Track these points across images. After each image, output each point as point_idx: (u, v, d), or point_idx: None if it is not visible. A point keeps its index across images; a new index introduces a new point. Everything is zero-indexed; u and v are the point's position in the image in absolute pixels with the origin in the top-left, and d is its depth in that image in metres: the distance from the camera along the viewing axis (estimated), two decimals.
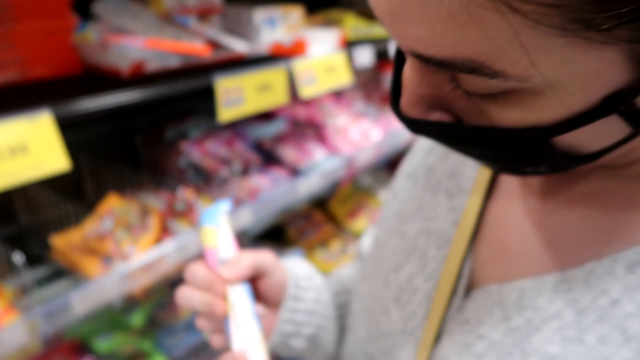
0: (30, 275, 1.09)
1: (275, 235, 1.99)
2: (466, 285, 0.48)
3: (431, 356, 0.47)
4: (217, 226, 0.54)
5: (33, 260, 1.22)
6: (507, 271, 0.44)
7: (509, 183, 0.48)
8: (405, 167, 0.62)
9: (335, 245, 1.94)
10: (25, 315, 0.86)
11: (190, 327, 1.56)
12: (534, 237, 0.43)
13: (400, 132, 1.74)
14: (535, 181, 0.46)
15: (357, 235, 2.00)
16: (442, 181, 0.55)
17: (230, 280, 0.50)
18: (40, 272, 1.20)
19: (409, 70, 0.33)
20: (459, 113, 0.33)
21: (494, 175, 0.50)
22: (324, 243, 1.97)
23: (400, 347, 0.50)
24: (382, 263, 0.56)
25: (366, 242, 0.72)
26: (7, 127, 0.73)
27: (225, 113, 1.03)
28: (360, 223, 2.01)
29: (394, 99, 0.36)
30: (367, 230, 0.75)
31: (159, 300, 1.54)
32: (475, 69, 0.27)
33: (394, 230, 0.57)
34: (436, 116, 0.33)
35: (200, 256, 0.89)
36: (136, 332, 1.46)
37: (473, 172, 0.52)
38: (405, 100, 0.33)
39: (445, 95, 0.33)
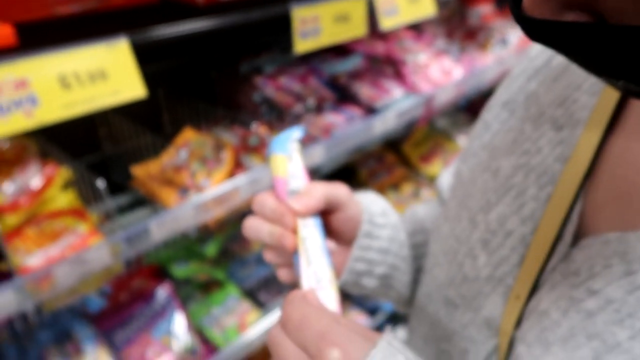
0: (113, 202, 1.14)
1: (346, 175, 1.97)
2: (574, 231, 0.41)
3: (525, 309, 0.42)
4: (288, 154, 0.49)
5: (116, 188, 1.28)
6: (632, 217, 0.38)
7: None
8: (501, 94, 0.55)
9: (407, 188, 1.89)
10: (109, 239, 0.90)
11: (261, 259, 1.60)
12: None
13: (483, 71, 1.62)
14: None
15: (430, 179, 1.93)
16: (547, 110, 0.47)
17: (300, 212, 0.46)
18: (122, 200, 1.26)
19: None
20: (605, 12, 0.26)
21: (621, 104, 0.42)
22: (395, 186, 1.92)
23: (486, 295, 0.46)
24: (468, 202, 0.51)
25: (446, 179, 0.67)
26: (86, 53, 0.73)
27: (301, 44, 0.99)
28: (434, 167, 1.94)
29: None
30: (447, 168, 0.69)
31: (231, 233, 1.58)
32: None
33: (483, 166, 0.51)
34: (571, 17, 0.26)
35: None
36: (210, 262, 1.52)
37: (591, 99, 0.44)
38: None
39: None
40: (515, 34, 1.85)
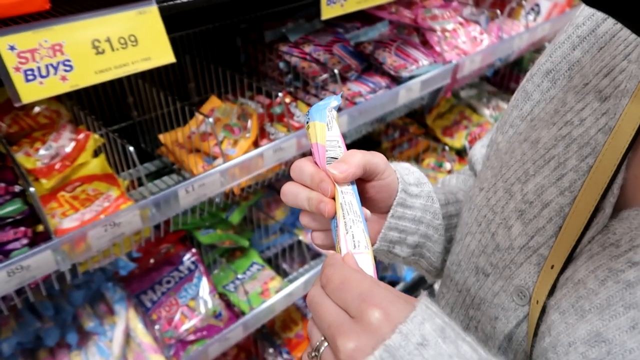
0: (142, 169, 1.17)
1: (368, 146, 1.97)
2: (614, 203, 0.41)
3: (561, 279, 0.43)
4: (327, 122, 0.50)
5: (146, 156, 1.30)
6: None
7: None
8: (543, 63, 0.54)
9: (430, 160, 1.88)
10: (139, 203, 0.93)
11: (284, 228, 1.63)
12: None
13: (512, 40, 1.58)
14: None
15: (454, 151, 1.92)
16: (592, 80, 0.47)
17: (339, 179, 0.47)
18: (151, 166, 1.29)
19: None
20: None
21: None
22: (417, 157, 1.91)
23: (519, 265, 0.46)
24: (505, 172, 0.51)
25: (478, 150, 0.67)
26: (118, 18, 0.74)
27: (328, 11, 0.98)
28: (458, 139, 1.92)
29: None
30: (480, 139, 0.69)
31: (255, 201, 1.61)
32: None
33: (522, 137, 0.51)
34: None
35: (295, 159, 0.89)
36: (234, 229, 1.55)
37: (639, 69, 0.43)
38: None
39: None
40: (547, 2, 1.79)
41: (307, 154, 1.19)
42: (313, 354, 0.39)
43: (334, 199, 0.47)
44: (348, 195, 0.47)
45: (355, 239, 0.45)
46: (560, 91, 0.50)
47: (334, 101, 0.51)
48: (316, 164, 0.49)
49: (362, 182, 0.52)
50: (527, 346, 0.45)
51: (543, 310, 0.43)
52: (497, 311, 0.48)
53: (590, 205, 0.42)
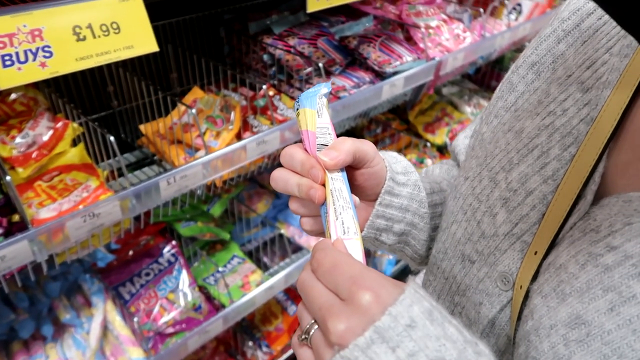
0: (122, 160, 1.15)
1: None
2: (595, 191, 0.43)
3: (543, 264, 0.44)
4: (317, 109, 0.50)
5: (126, 146, 1.28)
6: None
7: None
8: (529, 55, 0.55)
9: (412, 156, 1.90)
10: (119, 194, 0.91)
11: (265, 222, 1.62)
12: None
13: (494, 38, 1.60)
14: None
15: (435, 148, 1.93)
16: (575, 72, 0.48)
17: (330, 165, 0.47)
18: (131, 157, 1.27)
19: None
20: None
21: None
22: (399, 153, 1.93)
23: (503, 251, 0.47)
24: (490, 161, 0.52)
25: (462, 141, 0.67)
26: (100, 4, 0.72)
27: (314, 3, 0.97)
28: (439, 136, 1.94)
29: None
30: (462, 130, 0.69)
31: (237, 194, 1.60)
32: None
33: (506, 127, 0.52)
34: None
35: (279, 152, 0.87)
36: (215, 222, 1.54)
37: (621, 62, 0.44)
38: None
39: None
40: (528, 2, 1.82)
41: None
42: (303, 337, 0.39)
43: (324, 185, 0.48)
44: (338, 182, 0.47)
45: (345, 225, 0.45)
46: (544, 83, 0.51)
47: (324, 88, 0.51)
48: (306, 150, 0.49)
49: (351, 170, 0.52)
50: (510, 330, 0.46)
51: (526, 295, 0.44)
52: (482, 297, 0.49)
53: (572, 193, 0.43)
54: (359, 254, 0.43)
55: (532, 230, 0.46)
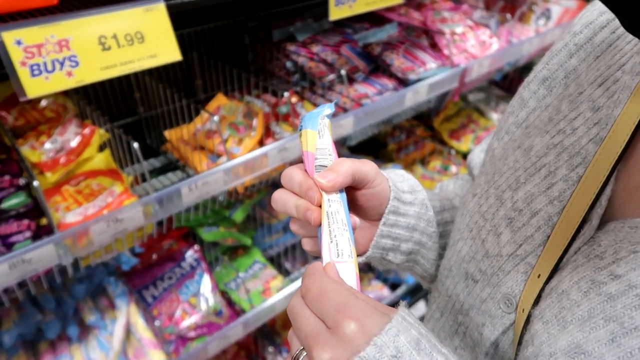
0: (146, 165, 1.17)
1: (374, 147, 1.96)
2: (602, 215, 0.41)
3: (546, 288, 0.42)
4: (318, 130, 0.50)
5: (151, 152, 1.30)
6: None
7: None
8: (540, 70, 0.54)
9: (436, 163, 1.88)
10: (142, 200, 0.93)
11: (287, 227, 1.62)
12: None
13: (521, 44, 1.57)
14: None
15: (460, 155, 1.91)
16: (587, 89, 0.46)
17: (326, 187, 0.47)
18: (156, 162, 1.29)
19: None
20: None
21: None
22: (423, 160, 1.91)
23: (506, 272, 0.46)
24: (497, 179, 0.51)
25: (477, 155, 0.66)
26: (125, 15, 0.74)
27: (336, 11, 0.98)
28: (464, 142, 1.91)
29: None
30: (479, 144, 0.68)
31: (259, 200, 1.61)
32: None
33: (516, 144, 0.51)
34: None
35: (300, 160, 0.88)
36: (237, 227, 1.55)
37: (633, 80, 0.42)
38: None
39: None
40: (558, 8, 1.78)
41: None
42: None
43: (321, 207, 0.47)
44: (335, 204, 0.47)
45: (339, 248, 0.44)
46: (556, 99, 0.50)
47: (327, 109, 0.51)
48: (306, 171, 0.49)
49: (352, 190, 0.52)
50: (512, 354, 0.45)
51: (528, 319, 0.43)
52: (484, 318, 0.48)
53: (578, 216, 0.41)
54: (351, 278, 0.43)
55: (537, 252, 0.44)
